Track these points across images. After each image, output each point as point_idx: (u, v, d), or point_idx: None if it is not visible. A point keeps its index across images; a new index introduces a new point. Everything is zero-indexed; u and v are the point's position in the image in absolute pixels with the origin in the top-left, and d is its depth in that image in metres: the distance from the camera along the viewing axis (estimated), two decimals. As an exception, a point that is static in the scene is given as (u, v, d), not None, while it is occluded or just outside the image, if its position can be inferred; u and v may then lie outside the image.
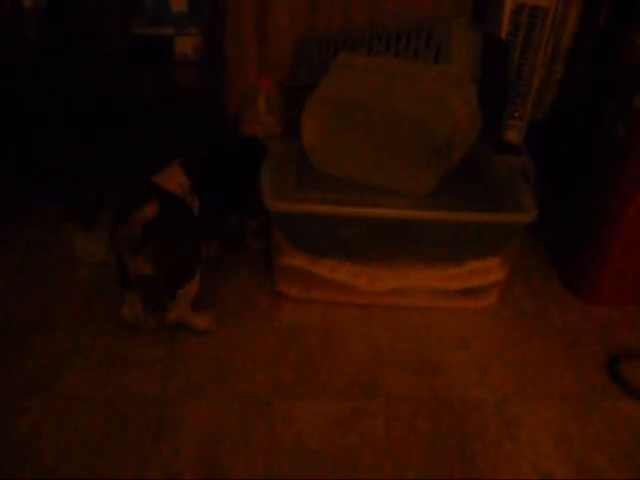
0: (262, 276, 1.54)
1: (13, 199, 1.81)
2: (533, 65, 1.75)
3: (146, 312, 1.32)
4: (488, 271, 1.43)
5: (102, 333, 1.35)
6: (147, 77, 1.57)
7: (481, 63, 1.41)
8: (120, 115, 1.56)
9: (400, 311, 1.45)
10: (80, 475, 1.04)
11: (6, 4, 1.60)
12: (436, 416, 1.18)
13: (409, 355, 1.33)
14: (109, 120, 1.55)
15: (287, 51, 1.86)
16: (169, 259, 1.23)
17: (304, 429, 1.14)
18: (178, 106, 1.58)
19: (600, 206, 1.45)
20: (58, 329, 1.36)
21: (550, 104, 1.88)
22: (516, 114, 1.74)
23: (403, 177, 1.34)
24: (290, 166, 1.43)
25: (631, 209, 1.37)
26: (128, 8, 1.61)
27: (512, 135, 1.76)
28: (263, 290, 1.50)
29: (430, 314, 1.45)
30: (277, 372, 1.27)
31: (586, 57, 1.80)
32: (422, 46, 1.45)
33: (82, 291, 1.48)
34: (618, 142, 1.36)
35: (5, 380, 1.22)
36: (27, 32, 1.64)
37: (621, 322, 1.48)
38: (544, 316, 1.48)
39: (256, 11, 1.80)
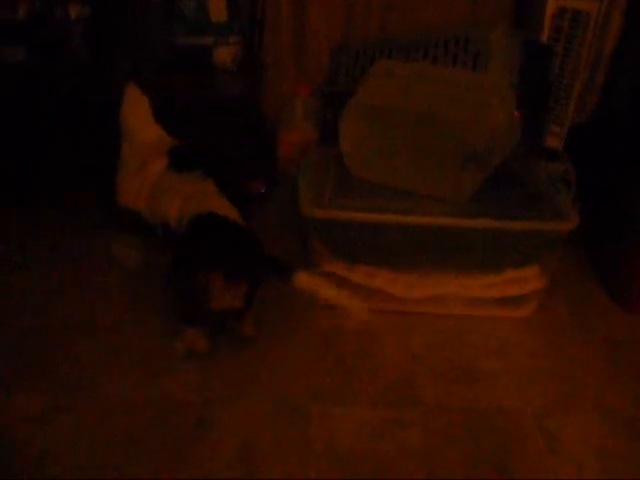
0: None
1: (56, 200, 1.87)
2: (575, 69, 1.71)
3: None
4: (527, 280, 1.41)
5: (142, 336, 1.38)
6: (188, 85, 1.60)
7: (522, 68, 1.39)
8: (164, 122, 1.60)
9: (437, 319, 1.44)
10: (119, 475, 1.06)
11: (56, 15, 1.67)
12: (473, 427, 1.16)
13: (446, 364, 1.32)
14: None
15: (324, 58, 1.88)
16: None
17: (340, 435, 1.14)
18: (218, 113, 1.61)
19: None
20: (99, 331, 1.40)
21: (592, 109, 1.84)
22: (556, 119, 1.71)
23: (441, 183, 1.33)
24: (327, 173, 1.44)
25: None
26: (171, 18, 1.65)
27: (552, 141, 1.73)
28: (298, 295, 1.50)
29: (467, 322, 1.43)
30: (313, 377, 1.27)
31: (630, 60, 1.75)
32: (460, 53, 1.44)
33: (121, 294, 1.52)
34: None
35: (47, 379, 1.26)
36: (73, 42, 1.69)
37: (667, 334, 1.43)
38: (585, 327, 1.45)
39: (293, 19, 1.82)
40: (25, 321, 1.42)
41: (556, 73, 1.63)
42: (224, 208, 1.23)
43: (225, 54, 1.66)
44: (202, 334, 1.27)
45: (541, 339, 1.41)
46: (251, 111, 1.69)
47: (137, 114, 1.42)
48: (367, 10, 1.80)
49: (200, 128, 1.72)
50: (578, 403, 1.23)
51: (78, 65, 1.69)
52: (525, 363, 1.33)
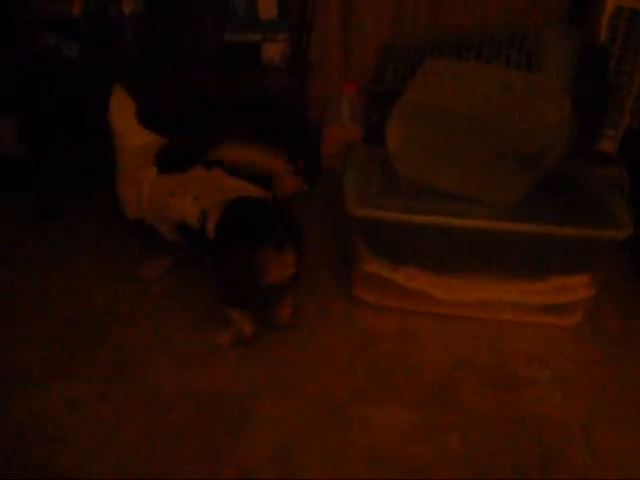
0: (339, 280, 1.55)
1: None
2: (631, 71, 1.65)
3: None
4: (575, 288, 1.37)
5: (183, 327, 1.40)
6: (237, 80, 1.62)
7: (578, 70, 1.35)
8: (214, 116, 1.63)
9: (479, 324, 1.41)
10: (158, 465, 1.08)
11: (110, 11, 1.71)
12: (516, 435, 1.14)
13: (488, 369, 1.29)
14: (202, 121, 1.61)
15: (371, 56, 1.87)
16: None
17: (379, 436, 1.13)
18: (265, 108, 1.63)
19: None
20: (140, 321, 1.42)
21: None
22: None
23: (490, 187, 1.30)
24: (373, 172, 1.43)
25: None
26: (222, 15, 1.66)
27: (606, 145, 1.67)
28: (340, 294, 1.51)
29: (511, 328, 1.40)
30: (352, 377, 1.27)
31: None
32: (514, 53, 1.41)
33: (163, 283, 1.55)
34: None
35: (88, 365, 1.29)
36: (126, 38, 1.73)
37: None
38: (634, 339, 1.40)
39: (342, 17, 1.82)
40: (67, 310, 1.46)
41: (613, 75, 1.58)
42: (246, 187, 1.24)
43: (274, 51, 1.66)
44: (248, 318, 1.28)
45: (588, 349, 1.37)
46: (297, 108, 1.69)
47: (123, 117, 1.39)
48: (417, 8, 1.78)
49: (246, 124, 1.75)
50: (626, 416, 1.19)
51: (130, 61, 1.73)
52: (571, 372, 1.29)
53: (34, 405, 1.20)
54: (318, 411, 1.18)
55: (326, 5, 1.81)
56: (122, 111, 1.38)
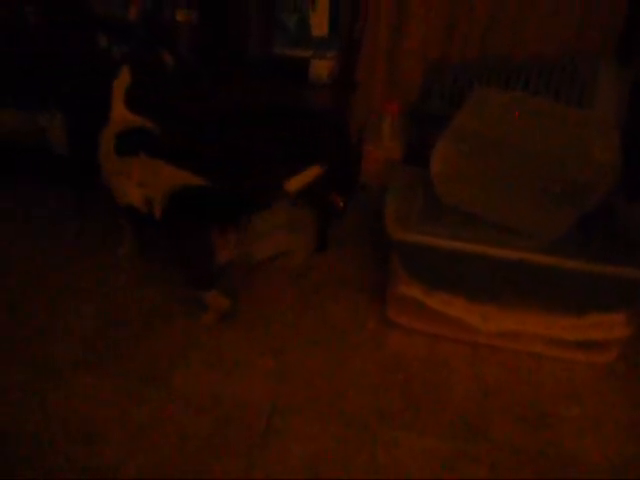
0: (372, 299, 1.56)
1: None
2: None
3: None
4: (611, 326, 1.36)
5: (218, 334, 1.42)
6: (283, 94, 1.64)
7: (629, 107, 1.34)
8: (257, 127, 1.65)
9: (511, 355, 1.40)
10: (190, 469, 1.10)
11: (165, 17, 1.74)
12: (545, 472, 1.13)
13: (518, 402, 1.28)
14: (245, 131, 1.64)
15: (417, 77, 1.88)
16: None
17: (405, 462, 1.13)
18: (309, 123, 1.64)
19: None
20: (176, 322, 1.45)
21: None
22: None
23: (533, 218, 1.30)
24: (414, 195, 1.43)
25: None
26: (272, 29, 1.69)
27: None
28: (372, 314, 1.51)
29: (543, 362, 1.39)
30: (381, 399, 1.27)
31: None
32: (564, 86, 1.40)
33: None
34: None
35: (127, 368, 1.32)
36: (178, 45, 1.77)
37: None
38: (669, 381, 1.38)
39: (391, 38, 1.83)
40: (106, 307, 1.49)
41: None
42: (185, 175, 1.29)
43: (322, 68, 1.68)
44: (219, 294, 1.40)
45: (620, 389, 1.35)
46: (340, 125, 1.71)
47: (116, 92, 1.46)
48: (466, 32, 1.78)
49: (287, 136, 1.76)
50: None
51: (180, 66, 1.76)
52: (603, 412, 1.28)
53: (68, 401, 1.23)
54: (346, 431, 1.19)
55: (375, 25, 1.82)
56: (118, 87, 1.45)
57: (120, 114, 1.44)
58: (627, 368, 1.40)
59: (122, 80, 1.44)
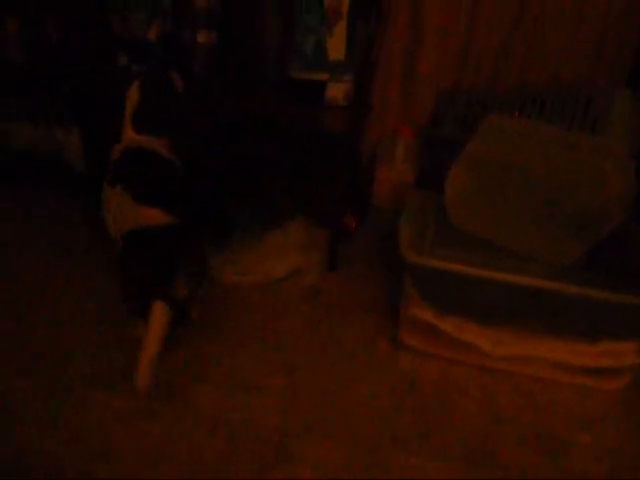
0: (382, 320, 1.56)
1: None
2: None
3: None
4: (623, 353, 1.36)
5: (227, 353, 1.43)
6: (298, 116, 1.66)
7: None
8: (269, 148, 1.68)
9: (522, 379, 1.40)
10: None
11: (185, 35, 1.78)
12: (556, 500, 1.13)
13: (529, 428, 1.28)
14: (258, 152, 1.67)
15: (429, 102, 1.90)
16: None
17: (418, 487, 1.14)
18: (322, 146, 1.67)
19: None
20: (189, 341, 1.45)
21: None
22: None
23: (546, 246, 1.31)
24: (427, 219, 1.45)
25: None
26: (290, 52, 1.72)
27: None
28: (382, 335, 1.51)
29: (554, 388, 1.39)
30: (393, 422, 1.27)
31: None
32: (579, 115, 1.42)
33: (216, 308, 1.58)
34: None
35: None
36: (196, 65, 1.80)
37: None
38: (681, 411, 1.38)
39: (405, 63, 1.86)
40: (116, 327, 1.48)
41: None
42: (148, 215, 1.29)
43: (338, 91, 1.71)
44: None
45: (632, 417, 1.35)
46: (353, 147, 1.73)
47: (126, 111, 1.46)
48: (479, 57, 1.81)
49: (300, 158, 1.79)
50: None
51: (198, 86, 1.79)
52: (615, 441, 1.27)
53: (82, 418, 1.23)
54: (358, 455, 1.19)
55: (389, 50, 1.85)
56: (127, 106, 1.45)
57: (127, 134, 1.45)
58: (639, 395, 1.40)
59: (132, 99, 1.45)
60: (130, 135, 1.44)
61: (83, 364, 1.37)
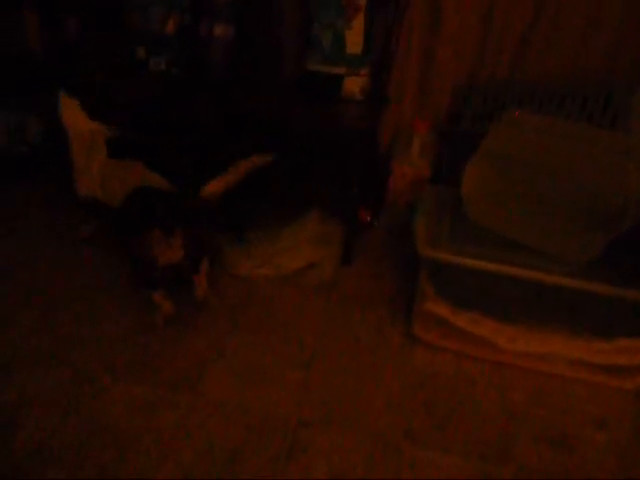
0: (396, 314, 1.57)
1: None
2: None
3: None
4: (638, 351, 1.35)
5: (243, 344, 1.45)
6: (315, 110, 1.67)
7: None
8: (286, 142, 1.68)
9: (538, 376, 1.40)
10: (216, 478, 1.12)
11: (203, 29, 1.78)
12: (569, 497, 1.13)
13: (544, 425, 1.28)
14: (276, 147, 1.67)
15: (446, 96, 1.89)
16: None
17: (431, 481, 1.14)
18: (338, 139, 1.67)
19: None
20: (204, 333, 1.48)
21: None
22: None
23: (564, 242, 1.30)
24: (444, 214, 1.45)
25: None
26: (307, 45, 1.72)
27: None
28: (397, 329, 1.52)
29: (569, 385, 1.39)
30: (406, 416, 1.27)
31: None
32: (598, 112, 1.41)
33: (232, 300, 1.60)
34: None
35: (155, 374, 1.35)
36: (214, 58, 1.81)
37: None
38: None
39: (422, 56, 1.86)
40: (135, 316, 1.52)
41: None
42: (153, 179, 1.42)
43: (355, 85, 1.71)
44: (164, 295, 1.45)
45: (648, 415, 1.34)
46: (370, 142, 1.73)
47: (70, 114, 1.60)
48: (498, 52, 1.80)
49: (317, 153, 1.80)
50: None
51: (215, 80, 1.80)
52: (629, 439, 1.27)
53: (100, 406, 1.25)
54: (371, 447, 1.19)
55: (407, 43, 1.85)
56: (68, 110, 1.61)
57: (88, 126, 1.60)
58: (656, 394, 1.40)
59: (67, 102, 1.60)
60: (91, 124, 1.60)
61: (105, 353, 1.39)
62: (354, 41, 1.68)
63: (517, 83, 1.75)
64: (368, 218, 1.82)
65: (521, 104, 1.60)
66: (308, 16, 1.74)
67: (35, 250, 1.76)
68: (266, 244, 1.67)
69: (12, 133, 2.13)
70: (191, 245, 1.36)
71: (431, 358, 1.43)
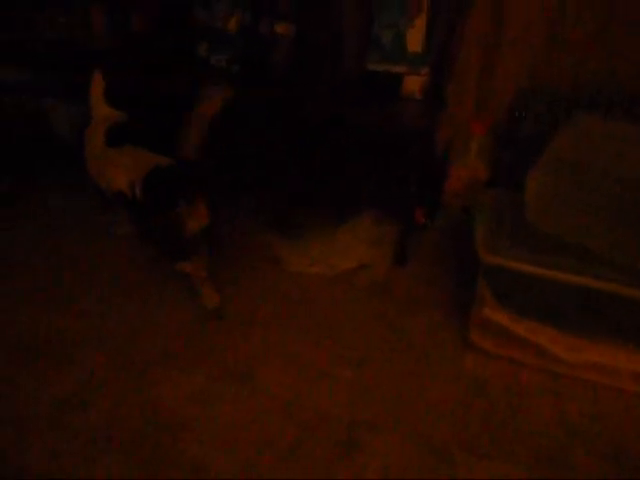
0: (450, 318, 1.55)
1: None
2: None
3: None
4: None
5: (296, 341, 1.46)
6: (374, 109, 1.66)
7: None
8: (344, 141, 1.68)
9: (597, 388, 1.36)
10: (270, 476, 1.13)
11: (263, 27, 1.80)
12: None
13: (603, 440, 1.24)
14: (333, 145, 1.68)
15: (507, 97, 1.85)
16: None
17: (486, 491, 1.13)
18: (397, 138, 1.66)
19: None
20: (257, 328, 1.50)
21: None
22: None
23: (628, 249, 1.26)
24: (503, 219, 1.41)
25: None
26: (368, 44, 1.72)
27: None
28: (451, 334, 1.50)
29: (628, 398, 1.34)
30: (460, 424, 1.26)
31: None
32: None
33: (285, 297, 1.61)
34: None
35: (210, 364, 1.38)
36: (275, 56, 1.82)
37: None
38: None
39: (485, 56, 1.82)
40: (190, 308, 1.55)
41: None
42: (158, 159, 1.45)
43: (415, 84, 1.69)
44: (197, 265, 1.50)
45: None
46: (428, 141, 1.71)
47: (94, 94, 1.67)
48: (564, 54, 1.74)
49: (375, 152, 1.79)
50: None
51: (275, 77, 1.82)
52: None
53: (156, 393, 1.29)
54: (425, 454, 1.19)
55: (469, 43, 1.81)
56: (95, 90, 1.66)
57: (104, 111, 1.65)
58: None
59: (97, 84, 1.65)
60: (110, 113, 1.64)
61: (160, 343, 1.43)
62: (415, 40, 1.67)
63: (583, 86, 1.69)
64: (423, 219, 1.80)
65: (588, 107, 1.55)
66: (368, 15, 1.73)
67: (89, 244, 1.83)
68: (321, 242, 1.68)
69: (74, 124, 2.20)
70: (211, 210, 1.44)
71: (487, 365, 1.41)
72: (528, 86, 1.79)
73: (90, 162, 1.61)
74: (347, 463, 1.15)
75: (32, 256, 1.75)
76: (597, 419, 1.29)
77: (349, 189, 1.74)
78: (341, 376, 1.36)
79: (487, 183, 1.83)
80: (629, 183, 1.25)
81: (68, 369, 1.34)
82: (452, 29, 1.73)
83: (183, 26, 1.88)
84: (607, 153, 1.32)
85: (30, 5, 2.07)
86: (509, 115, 1.84)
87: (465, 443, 1.22)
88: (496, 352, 1.41)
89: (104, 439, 1.18)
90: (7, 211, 1.95)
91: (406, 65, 1.69)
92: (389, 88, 1.71)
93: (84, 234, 1.86)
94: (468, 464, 1.17)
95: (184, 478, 1.12)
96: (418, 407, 1.29)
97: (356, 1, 1.75)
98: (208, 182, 1.46)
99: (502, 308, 1.35)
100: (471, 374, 1.39)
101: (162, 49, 1.95)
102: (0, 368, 1.34)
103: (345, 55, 1.80)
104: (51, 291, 1.60)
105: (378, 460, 1.17)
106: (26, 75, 2.09)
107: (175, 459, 1.15)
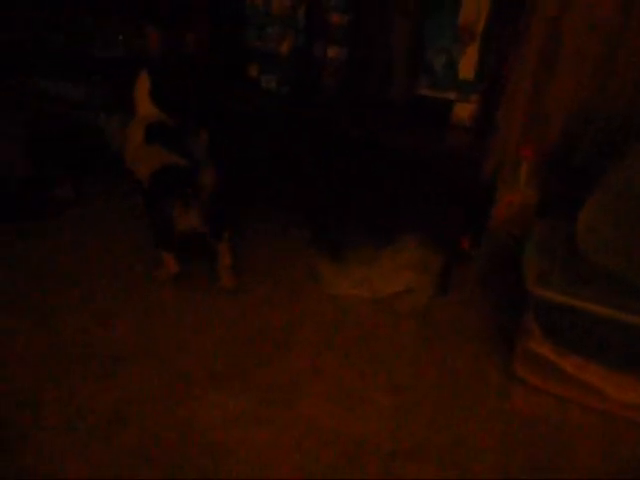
0: (494, 349, 1.52)
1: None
2: None
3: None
4: None
5: (338, 365, 1.45)
6: (422, 135, 1.66)
7: None
8: (391, 166, 1.68)
9: (649, 432, 1.31)
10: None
11: (317, 50, 1.83)
12: None
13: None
14: (379, 169, 1.68)
15: (559, 124, 1.81)
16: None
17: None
18: (445, 166, 1.64)
19: None
20: (300, 349, 1.49)
21: None
22: None
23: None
24: (555, 251, 1.38)
25: None
26: (419, 70, 1.72)
27: None
28: (495, 365, 1.47)
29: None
30: (504, 457, 1.23)
31: None
32: None
33: (324, 319, 1.61)
34: None
35: (251, 388, 1.37)
36: (326, 79, 1.84)
37: None
38: None
39: (537, 82, 1.79)
40: (245, 326, 1.56)
41: None
42: (173, 160, 1.55)
43: (465, 111, 1.68)
44: (174, 258, 1.67)
45: None
46: (475, 170, 1.69)
47: (139, 92, 1.74)
48: (622, 81, 1.70)
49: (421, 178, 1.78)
50: None
51: (324, 100, 1.84)
52: None
53: (193, 414, 1.29)
54: (465, 486, 1.16)
55: (521, 70, 1.79)
56: (140, 88, 1.74)
57: (147, 109, 1.73)
58: None
59: (143, 82, 1.73)
60: (152, 111, 1.73)
61: (202, 362, 1.44)
62: (467, 67, 1.66)
63: (638, 115, 1.65)
64: (468, 246, 1.78)
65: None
66: (419, 40, 1.73)
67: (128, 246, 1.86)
68: (364, 265, 1.67)
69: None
70: (209, 214, 1.55)
71: (532, 400, 1.37)
72: (581, 115, 1.76)
73: (127, 155, 1.73)
74: (386, 494, 1.14)
75: (78, 264, 1.78)
76: (648, 464, 1.24)
77: (393, 212, 1.73)
78: (380, 401, 1.35)
79: (537, 212, 1.79)
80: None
81: (110, 383, 1.36)
82: (504, 57, 1.72)
83: (235, 47, 1.92)
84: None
85: (90, 24, 2.17)
86: (560, 143, 1.81)
87: (510, 478, 1.18)
88: (542, 387, 1.37)
89: (144, 458, 1.19)
90: (71, 213, 2.04)
91: (456, 91, 1.68)
92: (438, 114, 1.70)
93: (132, 241, 1.89)
94: (511, 503, 1.14)
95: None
96: (460, 438, 1.27)
97: (407, 27, 1.76)
98: (214, 191, 1.54)
99: (549, 342, 1.31)
100: (517, 409, 1.35)
101: (213, 67, 2.01)
102: (48, 376, 1.37)
103: (394, 80, 1.81)
104: (92, 302, 1.62)
105: (417, 493, 1.15)
106: (82, 90, 2.19)
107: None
